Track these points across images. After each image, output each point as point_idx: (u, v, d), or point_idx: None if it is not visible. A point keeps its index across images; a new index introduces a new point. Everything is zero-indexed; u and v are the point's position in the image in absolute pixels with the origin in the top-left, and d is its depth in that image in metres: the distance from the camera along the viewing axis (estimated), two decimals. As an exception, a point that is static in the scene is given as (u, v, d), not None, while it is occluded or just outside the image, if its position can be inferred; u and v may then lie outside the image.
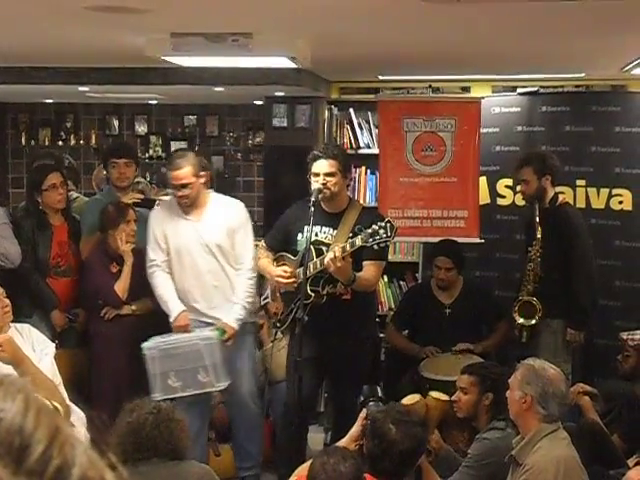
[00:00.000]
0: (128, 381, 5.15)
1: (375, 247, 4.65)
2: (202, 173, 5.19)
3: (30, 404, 0.78)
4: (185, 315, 5.13)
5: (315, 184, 4.85)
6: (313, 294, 4.77)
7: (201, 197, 5.19)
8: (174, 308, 5.14)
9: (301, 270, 4.75)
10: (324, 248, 4.81)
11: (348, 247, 4.61)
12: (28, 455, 0.75)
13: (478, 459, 4.05)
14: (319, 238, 4.88)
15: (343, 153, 5.25)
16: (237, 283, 5.19)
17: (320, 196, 4.86)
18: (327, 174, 4.85)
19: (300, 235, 4.94)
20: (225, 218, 5.19)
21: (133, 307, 5.36)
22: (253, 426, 5.39)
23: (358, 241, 4.59)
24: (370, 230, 4.56)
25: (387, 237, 4.55)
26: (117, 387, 5.11)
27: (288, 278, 4.86)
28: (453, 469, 4.32)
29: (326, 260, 4.61)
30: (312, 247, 4.80)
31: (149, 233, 5.23)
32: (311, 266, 4.74)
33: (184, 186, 5.06)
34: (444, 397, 4.53)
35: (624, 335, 5.17)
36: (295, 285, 4.84)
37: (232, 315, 5.13)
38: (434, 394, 4.58)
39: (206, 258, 5.18)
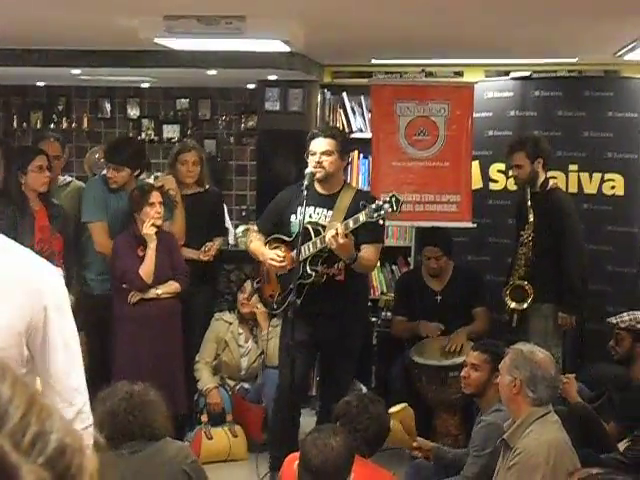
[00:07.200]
0: (150, 365, 5.13)
1: (372, 230, 4.63)
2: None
3: (5, 374, 0.80)
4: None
5: (308, 168, 4.84)
6: (314, 273, 4.76)
7: None
8: None
9: (300, 249, 4.71)
10: (320, 229, 4.78)
11: (351, 223, 4.58)
12: (7, 420, 0.76)
13: (485, 446, 4.06)
14: (313, 219, 4.85)
15: (342, 134, 5.24)
16: None
17: (318, 176, 4.82)
18: (323, 152, 4.81)
19: (293, 217, 4.91)
20: None
21: (158, 291, 5.29)
22: None
23: (362, 217, 4.54)
24: (374, 205, 4.51)
25: (393, 211, 4.50)
26: (139, 370, 4.90)
27: (281, 262, 4.85)
28: (450, 463, 4.38)
29: (328, 237, 4.56)
30: (310, 227, 4.77)
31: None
32: (311, 245, 4.73)
33: None
34: (399, 407, 4.45)
35: (613, 320, 5.16)
36: (289, 268, 4.81)
37: None
38: (393, 409, 4.33)
39: None
